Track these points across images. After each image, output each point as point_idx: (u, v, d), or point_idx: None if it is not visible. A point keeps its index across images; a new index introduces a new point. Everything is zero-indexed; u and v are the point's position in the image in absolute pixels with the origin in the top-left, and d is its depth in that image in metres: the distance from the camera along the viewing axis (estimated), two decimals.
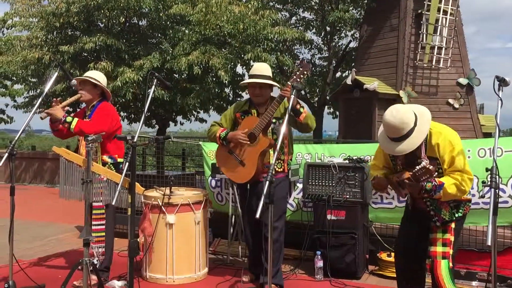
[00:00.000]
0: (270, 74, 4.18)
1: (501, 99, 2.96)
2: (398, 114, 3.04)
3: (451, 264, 3.15)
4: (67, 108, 4.22)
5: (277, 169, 4.07)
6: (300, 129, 4.12)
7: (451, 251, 3.16)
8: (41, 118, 4.00)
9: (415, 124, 3.06)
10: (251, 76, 4.14)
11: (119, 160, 4.21)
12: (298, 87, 3.62)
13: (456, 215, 3.19)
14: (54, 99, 4.23)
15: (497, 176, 2.71)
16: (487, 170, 2.79)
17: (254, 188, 4.15)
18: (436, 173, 3.07)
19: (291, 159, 4.27)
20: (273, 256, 3.87)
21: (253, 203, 4.10)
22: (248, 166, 4.05)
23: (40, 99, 4.04)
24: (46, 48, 10.35)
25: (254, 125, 4.01)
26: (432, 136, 3.12)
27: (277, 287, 4.07)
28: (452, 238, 3.18)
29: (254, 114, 4.18)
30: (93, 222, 4.02)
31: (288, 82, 3.86)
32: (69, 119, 4.05)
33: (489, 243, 2.54)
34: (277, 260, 4.08)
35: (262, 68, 4.17)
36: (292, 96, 3.55)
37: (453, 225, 3.19)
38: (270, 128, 4.08)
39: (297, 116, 3.90)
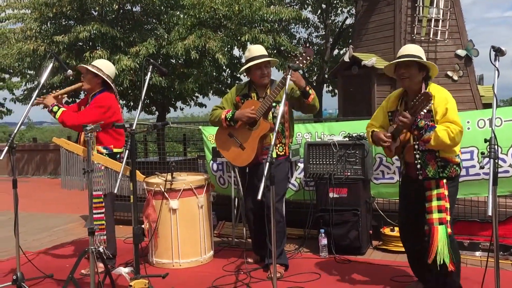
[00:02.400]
0: (266, 52, 4.20)
1: (498, 69, 2.95)
2: (417, 46, 3.44)
3: (449, 230, 3.21)
4: (65, 97, 4.22)
5: (278, 152, 4.09)
6: (306, 110, 4.12)
7: (448, 217, 3.22)
8: (33, 105, 3.98)
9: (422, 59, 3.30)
10: (251, 59, 4.09)
11: (115, 150, 4.16)
12: (294, 67, 3.64)
13: (441, 175, 3.25)
14: (55, 90, 4.24)
15: (495, 147, 2.72)
16: (485, 141, 2.80)
17: (253, 169, 4.17)
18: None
19: (291, 142, 4.28)
20: (276, 237, 3.94)
21: (253, 184, 4.11)
22: (248, 150, 4.06)
23: (37, 91, 4.04)
24: (41, 39, 10.29)
25: (256, 109, 4.00)
26: (430, 89, 3.25)
27: (282, 267, 4.11)
28: (447, 205, 3.24)
29: (254, 98, 4.16)
30: (94, 211, 4.06)
31: (292, 65, 3.78)
32: (55, 108, 4.04)
33: (489, 213, 2.56)
34: (280, 240, 4.11)
35: (259, 49, 4.17)
36: (289, 77, 3.56)
37: (446, 192, 3.24)
38: (270, 112, 4.07)
39: (306, 98, 3.92)
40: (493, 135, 2.76)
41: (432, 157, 3.26)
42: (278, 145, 4.09)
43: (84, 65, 4.28)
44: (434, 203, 3.26)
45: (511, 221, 4.53)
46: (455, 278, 3.33)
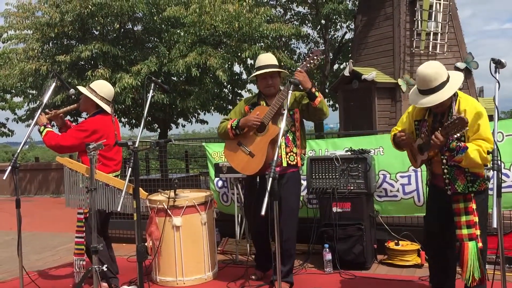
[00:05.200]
0: (277, 63, 4.09)
1: (498, 82, 2.96)
2: (434, 65, 3.18)
3: (480, 245, 3.16)
4: (61, 115, 4.28)
5: (289, 162, 3.93)
6: (313, 115, 3.92)
7: (477, 232, 3.17)
8: (36, 124, 4.06)
9: (447, 80, 3.16)
10: (258, 68, 4.04)
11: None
12: (295, 82, 3.60)
13: (470, 189, 3.20)
14: (52, 110, 4.27)
15: (499, 158, 2.72)
16: (488, 153, 2.81)
17: (262, 183, 3.97)
18: (458, 140, 3.09)
19: (304, 154, 4.11)
20: (285, 255, 3.87)
21: (262, 198, 4.01)
22: (258, 156, 3.89)
23: (40, 111, 4.08)
24: (43, 59, 10.40)
25: (264, 114, 3.90)
26: (461, 102, 3.19)
27: (287, 285, 4.06)
28: (476, 219, 3.18)
29: (263, 105, 4.05)
30: (75, 235, 4.07)
31: (299, 68, 3.78)
32: (41, 128, 4.09)
33: (494, 225, 2.55)
34: (288, 259, 4.03)
35: (267, 58, 4.09)
36: (290, 92, 3.54)
37: (474, 206, 3.19)
38: (280, 118, 3.89)
39: (312, 100, 3.76)
40: (495, 147, 2.77)
41: (461, 172, 3.20)
42: (289, 154, 3.92)
43: (78, 87, 4.32)
44: (463, 218, 3.20)
45: None
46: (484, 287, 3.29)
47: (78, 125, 4.18)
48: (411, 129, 3.49)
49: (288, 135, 3.93)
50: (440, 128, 3.07)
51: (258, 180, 4.00)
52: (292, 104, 3.93)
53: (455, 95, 3.23)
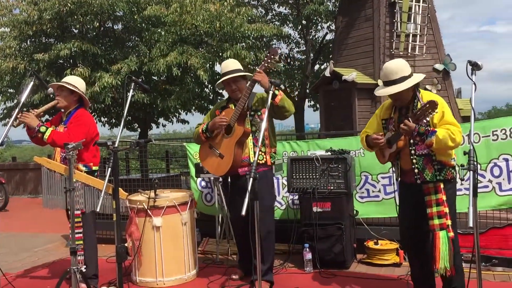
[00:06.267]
0: (239, 67, 4.18)
1: (474, 83, 3.02)
2: (398, 61, 3.47)
3: (451, 234, 3.30)
4: (41, 115, 4.18)
5: (258, 161, 3.96)
6: (277, 114, 4.01)
7: (448, 222, 3.32)
8: (14, 126, 3.92)
9: (409, 77, 3.38)
10: (222, 75, 4.18)
11: (93, 168, 4.14)
12: (276, 83, 3.69)
13: (438, 177, 3.34)
14: (32, 109, 4.18)
15: (475, 158, 2.78)
16: (465, 153, 2.87)
17: (234, 182, 4.17)
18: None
19: (274, 152, 4.21)
20: (264, 253, 3.90)
21: (236, 199, 4.09)
22: (226, 157, 4.02)
23: (17, 110, 3.99)
24: (21, 57, 10.20)
25: (230, 116, 4.00)
26: (424, 96, 3.41)
27: (267, 284, 4.08)
28: (446, 210, 3.33)
29: (232, 108, 4.15)
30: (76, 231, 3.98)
31: (257, 68, 3.91)
32: (43, 128, 3.95)
33: (471, 224, 2.61)
34: (267, 257, 4.08)
35: (229, 64, 4.19)
36: (271, 91, 3.61)
37: (444, 197, 3.34)
38: (248, 119, 4.05)
39: (273, 99, 3.82)
40: (471, 148, 2.83)
41: (429, 161, 3.36)
42: (257, 153, 4.03)
43: (58, 82, 4.25)
44: (434, 209, 3.36)
45: (492, 233, 4.60)
46: (461, 281, 3.42)
47: (75, 119, 4.08)
48: (380, 129, 3.65)
49: (256, 135, 4.03)
50: (409, 118, 3.24)
51: (229, 180, 4.19)
52: (259, 105, 4.06)
53: (419, 90, 3.44)
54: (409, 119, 3.22)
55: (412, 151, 3.39)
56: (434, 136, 3.19)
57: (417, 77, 3.41)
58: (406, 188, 3.57)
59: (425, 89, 8.21)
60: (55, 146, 4.04)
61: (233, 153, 3.96)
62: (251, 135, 4.05)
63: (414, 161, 3.39)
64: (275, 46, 16.15)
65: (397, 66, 3.40)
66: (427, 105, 3.09)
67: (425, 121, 3.18)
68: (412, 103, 3.43)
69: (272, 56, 3.87)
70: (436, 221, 3.34)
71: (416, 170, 3.39)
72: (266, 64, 3.86)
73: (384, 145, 3.50)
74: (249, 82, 3.94)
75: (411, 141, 3.39)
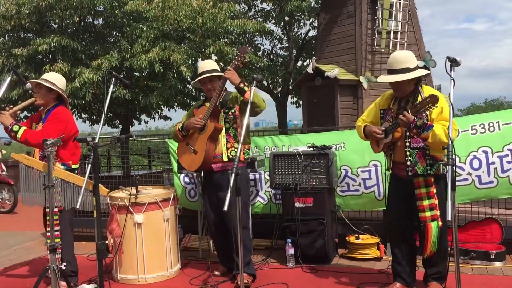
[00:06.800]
0: (215, 67, 4.26)
1: (453, 79, 3.07)
2: (405, 52, 3.61)
3: (440, 223, 3.42)
4: (18, 113, 4.10)
5: (230, 156, 4.08)
6: (250, 110, 3.90)
7: (438, 213, 3.44)
8: None
9: (414, 69, 3.46)
10: (198, 75, 4.26)
11: (73, 166, 4.05)
12: (258, 78, 3.75)
13: (429, 172, 3.43)
14: (9, 105, 4.10)
15: (453, 153, 2.83)
16: (443, 148, 2.92)
17: (208, 177, 4.25)
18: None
19: (248, 149, 4.25)
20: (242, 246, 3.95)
21: (210, 194, 4.21)
22: (199, 153, 4.11)
23: None
24: None
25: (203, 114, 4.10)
26: (425, 90, 3.49)
27: (250, 277, 4.10)
28: (437, 202, 3.45)
29: (207, 106, 4.20)
30: (48, 229, 3.93)
31: (228, 67, 3.97)
32: (15, 127, 3.86)
33: (449, 218, 2.65)
34: (244, 252, 4.09)
35: (205, 65, 4.29)
36: (253, 88, 3.67)
37: (434, 190, 3.45)
38: (222, 116, 4.13)
39: (242, 95, 3.91)
40: (450, 143, 2.88)
41: (422, 155, 3.44)
42: (230, 149, 4.10)
43: (36, 80, 4.16)
44: (425, 202, 3.46)
45: (471, 226, 4.68)
46: (445, 266, 3.59)
47: (52, 117, 4.00)
48: (377, 118, 3.73)
49: (229, 131, 4.13)
50: (408, 110, 3.31)
51: (202, 175, 4.33)
52: (232, 102, 4.16)
53: (420, 86, 3.51)
54: (408, 110, 3.29)
55: (407, 143, 3.47)
56: (430, 130, 3.26)
57: (420, 72, 3.49)
58: (397, 181, 3.66)
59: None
60: (28, 145, 3.97)
61: (205, 148, 4.05)
62: (224, 131, 4.10)
63: (408, 153, 3.47)
64: (257, 42, 16.19)
65: (404, 56, 3.49)
66: (428, 99, 3.16)
67: (424, 114, 3.25)
68: (413, 96, 3.50)
69: (242, 55, 3.95)
70: (428, 213, 3.45)
71: (408, 163, 3.46)
72: (236, 63, 3.94)
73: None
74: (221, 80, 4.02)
75: (407, 133, 3.46)
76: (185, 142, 4.25)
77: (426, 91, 3.48)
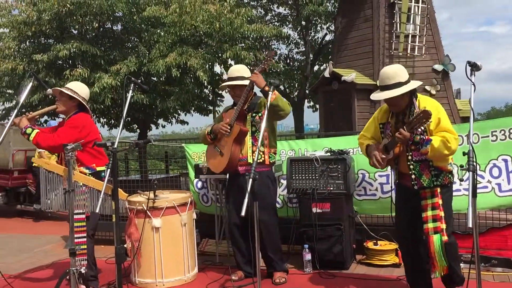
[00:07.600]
0: (242, 74, 4.31)
1: (474, 84, 3.02)
2: (395, 67, 3.47)
3: (445, 238, 3.28)
4: (38, 118, 4.20)
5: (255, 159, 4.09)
6: (274, 114, 4.05)
7: (443, 226, 3.30)
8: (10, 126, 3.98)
9: (406, 83, 3.35)
10: (227, 80, 4.37)
11: (98, 169, 4.12)
12: (275, 83, 3.80)
13: (435, 183, 3.34)
14: (29, 112, 4.19)
15: (474, 159, 2.78)
16: (464, 154, 2.87)
17: (232, 180, 4.31)
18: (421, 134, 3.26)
19: (274, 153, 4.29)
20: (273, 246, 4.26)
21: (233, 197, 4.27)
22: (225, 155, 4.19)
23: (16, 111, 4.01)
24: (19, 58, 10.21)
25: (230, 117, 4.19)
26: (421, 102, 3.39)
27: (284, 273, 4.29)
28: (442, 214, 3.32)
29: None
30: (75, 235, 3.97)
31: (255, 70, 4.02)
32: (28, 130, 4.00)
33: (470, 224, 2.60)
34: (275, 249, 4.29)
35: (233, 71, 4.37)
36: (270, 92, 3.71)
37: (440, 201, 3.33)
38: (248, 120, 4.20)
39: (266, 98, 3.90)
40: (471, 148, 2.83)
41: (426, 167, 3.35)
42: (255, 152, 4.06)
43: (58, 88, 4.26)
44: (429, 213, 3.35)
45: (491, 233, 4.60)
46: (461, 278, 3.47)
47: (68, 122, 4.11)
48: (377, 133, 3.65)
49: (255, 135, 4.18)
50: (404, 126, 3.22)
51: (228, 177, 4.39)
52: (260, 107, 4.22)
53: (415, 96, 3.42)
54: (404, 127, 3.20)
55: (409, 157, 3.39)
56: (429, 145, 3.18)
57: (413, 84, 3.38)
58: (404, 191, 3.58)
59: (424, 89, 8.24)
60: (40, 148, 4.11)
61: (230, 150, 4.11)
62: (250, 134, 4.15)
63: (411, 167, 3.38)
64: (274, 46, 16.20)
65: (394, 71, 3.39)
66: (421, 115, 3.07)
67: (420, 130, 3.17)
68: (409, 108, 3.42)
69: (268, 58, 4.02)
70: (430, 225, 3.32)
71: (413, 176, 3.38)
72: (263, 66, 4.00)
73: (382, 152, 3.50)
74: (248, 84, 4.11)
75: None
76: (214, 145, 4.35)
77: (422, 102, 3.39)
